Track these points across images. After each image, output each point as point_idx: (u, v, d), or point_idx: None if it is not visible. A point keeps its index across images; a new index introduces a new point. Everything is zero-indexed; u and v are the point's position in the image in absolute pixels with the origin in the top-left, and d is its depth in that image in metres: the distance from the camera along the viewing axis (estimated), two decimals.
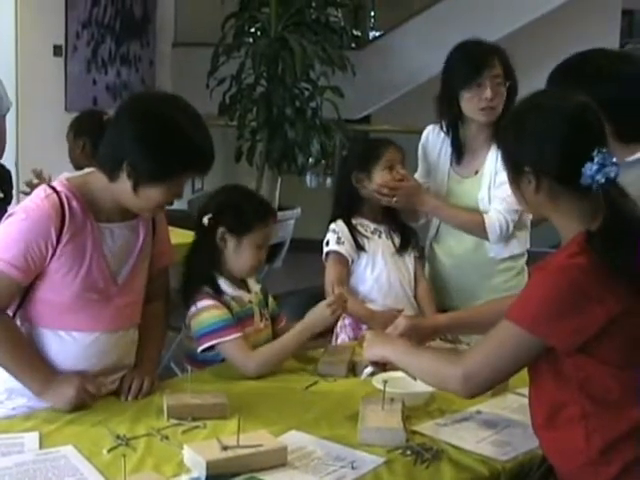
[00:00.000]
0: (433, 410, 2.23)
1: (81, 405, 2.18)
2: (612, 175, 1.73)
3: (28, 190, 3.75)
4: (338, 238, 2.99)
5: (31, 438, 2.01)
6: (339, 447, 1.99)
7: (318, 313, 2.53)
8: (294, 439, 2.02)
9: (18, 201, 4.34)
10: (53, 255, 2.19)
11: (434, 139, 3.16)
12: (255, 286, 2.72)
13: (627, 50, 7.89)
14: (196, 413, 2.13)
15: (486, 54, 2.95)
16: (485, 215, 2.98)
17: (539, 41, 7.37)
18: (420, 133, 3.24)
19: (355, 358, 2.54)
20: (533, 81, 2.25)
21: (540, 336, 1.76)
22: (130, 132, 2.16)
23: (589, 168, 1.73)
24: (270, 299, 2.79)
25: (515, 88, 2.97)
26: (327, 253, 3.01)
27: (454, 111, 3.00)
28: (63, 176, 2.31)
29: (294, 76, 6.63)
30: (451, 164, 3.11)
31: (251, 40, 7.07)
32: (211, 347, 2.51)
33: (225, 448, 1.86)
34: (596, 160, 1.73)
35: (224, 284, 2.60)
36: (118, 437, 2.01)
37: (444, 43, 3.17)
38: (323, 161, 7.09)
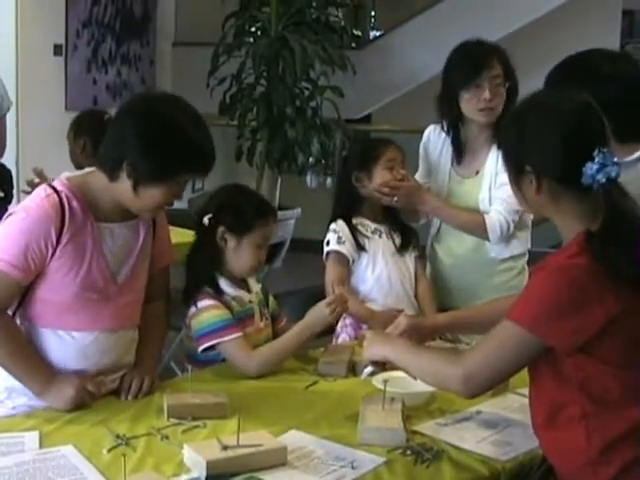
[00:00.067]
0: (433, 410, 2.23)
1: (81, 405, 2.18)
2: (613, 175, 1.73)
3: (29, 189, 3.76)
4: (339, 238, 2.99)
5: (31, 437, 2.01)
6: (339, 447, 1.99)
7: (317, 312, 2.53)
8: (294, 439, 2.01)
9: (19, 200, 4.34)
10: (53, 255, 2.18)
11: (435, 139, 3.16)
12: (255, 286, 2.72)
13: (625, 50, 7.89)
14: (196, 413, 2.13)
15: (485, 55, 2.94)
16: (486, 216, 2.97)
17: (539, 41, 7.36)
18: (420, 133, 3.24)
19: (355, 358, 2.54)
20: (533, 81, 2.25)
21: (540, 336, 1.76)
22: (130, 132, 2.16)
23: (590, 168, 1.73)
24: (270, 299, 2.79)
25: (515, 88, 2.96)
26: (327, 253, 3.01)
27: (454, 111, 3.00)
28: (64, 175, 2.31)
29: (294, 76, 6.63)
30: (452, 164, 3.11)
31: (251, 40, 7.07)
32: (211, 347, 2.51)
33: (225, 448, 1.86)
34: (597, 160, 1.73)
35: (224, 284, 2.60)
36: (118, 437, 2.01)
37: (444, 43, 3.18)
38: (323, 161, 7.09)
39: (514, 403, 2.26)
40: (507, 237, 3.00)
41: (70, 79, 6.58)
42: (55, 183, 2.24)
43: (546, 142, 1.79)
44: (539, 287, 1.79)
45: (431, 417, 2.18)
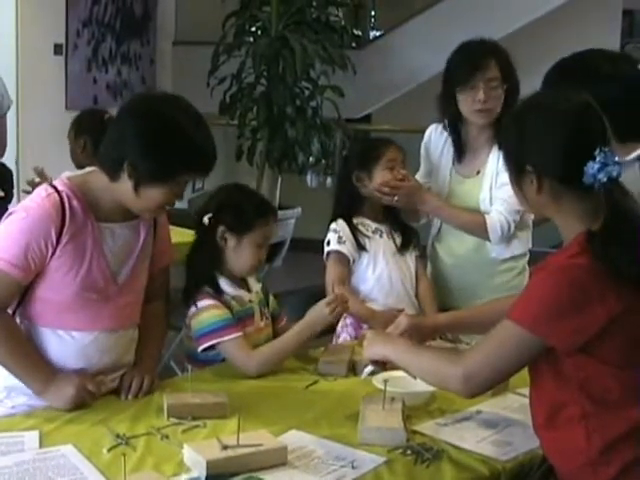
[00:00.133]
0: (433, 410, 2.23)
1: (81, 404, 2.18)
2: (614, 174, 1.73)
3: (29, 189, 3.76)
4: (339, 237, 2.98)
5: (31, 437, 2.01)
6: (339, 446, 1.99)
7: (317, 312, 2.53)
8: (294, 438, 2.01)
9: (19, 200, 4.34)
10: (53, 254, 2.18)
11: (436, 138, 3.15)
12: (255, 285, 2.72)
13: (624, 51, 7.89)
14: (196, 412, 2.13)
15: (482, 56, 2.93)
16: (486, 216, 2.97)
17: (539, 41, 7.36)
18: (420, 133, 3.24)
19: (355, 357, 2.54)
20: (533, 81, 2.25)
21: (540, 336, 1.76)
22: (131, 132, 2.16)
23: (591, 167, 1.73)
24: (271, 298, 2.79)
25: (515, 89, 2.95)
26: (328, 253, 3.01)
27: (452, 110, 3.00)
28: (64, 175, 2.31)
29: (294, 75, 6.63)
30: (453, 163, 3.11)
31: (252, 39, 7.07)
32: (211, 346, 2.51)
33: (225, 447, 1.86)
34: (598, 159, 1.73)
35: (224, 283, 2.60)
36: (118, 436, 2.01)
37: (444, 43, 3.18)
38: (323, 160, 7.09)
39: (514, 403, 2.26)
40: (508, 237, 3.00)
41: (70, 78, 6.58)
42: (56, 183, 2.24)
43: (547, 142, 1.79)
44: (540, 287, 1.79)
45: (431, 417, 2.18)
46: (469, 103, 2.93)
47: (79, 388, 2.18)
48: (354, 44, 7.99)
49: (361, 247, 3.00)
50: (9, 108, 4.48)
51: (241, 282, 2.66)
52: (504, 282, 3.04)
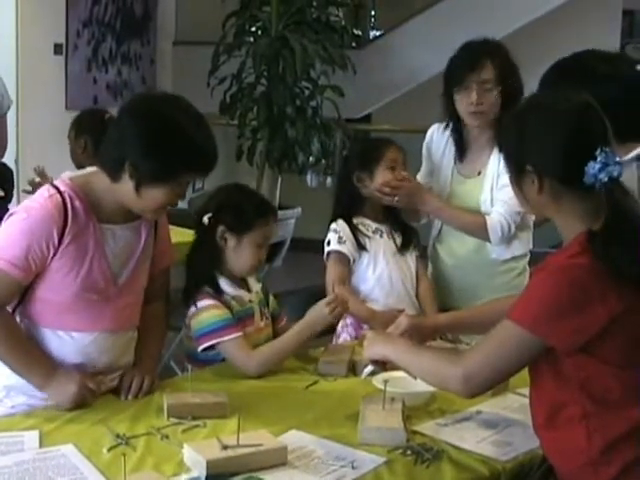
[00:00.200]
0: (434, 410, 2.23)
1: (82, 402, 2.18)
2: (615, 174, 1.73)
3: (30, 189, 3.76)
4: (339, 237, 2.98)
5: (31, 437, 2.01)
6: (339, 447, 1.99)
7: (317, 312, 2.52)
8: (294, 438, 2.01)
9: (18, 200, 4.34)
10: (54, 255, 2.18)
11: (438, 138, 3.15)
12: (255, 285, 2.72)
13: (622, 51, 7.89)
14: (196, 412, 2.13)
15: (478, 57, 2.92)
16: (487, 217, 2.97)
17: (539, 41, 7.35)
18: (420, 133, 3.24)
19: (355, 357, 2.54)
20: (533, 81, 2.25)
21: (541, 336, 1.76)
22: (131, 132, 2.16)
23: (592, 167, 1.73)
24: (271, 298, 2.79)
25: (514, 90, 2.93)
26: (328, 253, 3.01)
27: (452, 110, 3.00)
28: (65, 175, 2.30)
29: (295, 75, 6.63)
30: (455, 163, 3.10)
31: (252, 39, 7.07)
32: (211, 346, 2.51)
33: (225, 447, 1.86)
34: (599, 159, 1.73)
35: (224, 283, 2.60)
36: (118, 436, 2.01)
37: (444, 43, 3.18)
38: (323, 160, 7.09)
39: (514, 403, 2.26)
40: (508, 239, 3.00)
41: (70, 78, 6.58)
42: (58, 183, 2.24)
43: (547, 142, 1.79)
44: (540, 287, 1.79)
45: (431, 417, 2.18)
46: (464, 104, 2.94)
47: (80, 385, 2.18)
48: (354, 44, 7.98)
49: (361, 247, 3.00)
50: (9, 108, 4.48)
51: (241, 282, 2.66)
52: (505, 283, 3.04)
